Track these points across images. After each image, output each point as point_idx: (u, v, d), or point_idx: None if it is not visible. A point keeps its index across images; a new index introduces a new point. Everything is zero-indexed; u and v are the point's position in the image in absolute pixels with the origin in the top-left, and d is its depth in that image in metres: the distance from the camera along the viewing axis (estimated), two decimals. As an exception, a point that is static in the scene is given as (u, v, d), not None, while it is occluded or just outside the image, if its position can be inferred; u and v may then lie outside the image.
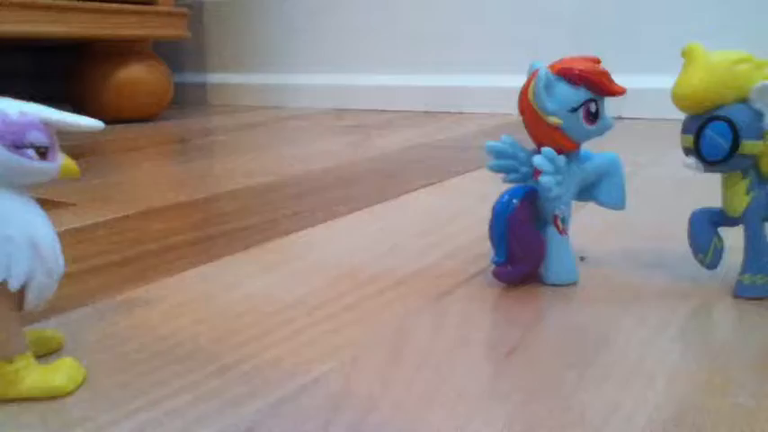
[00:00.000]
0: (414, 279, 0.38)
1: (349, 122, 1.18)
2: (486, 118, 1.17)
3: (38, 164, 0.26)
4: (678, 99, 0.33)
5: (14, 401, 0.25)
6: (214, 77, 1.60)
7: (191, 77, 1.62)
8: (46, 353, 0.29)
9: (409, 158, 0.80)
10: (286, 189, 0.64)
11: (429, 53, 1.30)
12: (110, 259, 0.43)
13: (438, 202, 0.57)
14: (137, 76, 1.21)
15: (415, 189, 0.62)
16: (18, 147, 0.25)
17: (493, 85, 1.21)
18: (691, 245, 0.36)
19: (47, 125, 0.26)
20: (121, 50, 1.22)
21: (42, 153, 0.26)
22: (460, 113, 1.24)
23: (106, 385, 0.27)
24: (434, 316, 0.33)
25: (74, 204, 0.59)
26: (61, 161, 0.27)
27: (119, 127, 1.17)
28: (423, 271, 0.39)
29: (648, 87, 1.08)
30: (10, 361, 0.25)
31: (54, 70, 1.49)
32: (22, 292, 0.25)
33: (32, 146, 0.25)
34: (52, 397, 0.25)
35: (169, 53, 1.53)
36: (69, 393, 0.26)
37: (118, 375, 0.27)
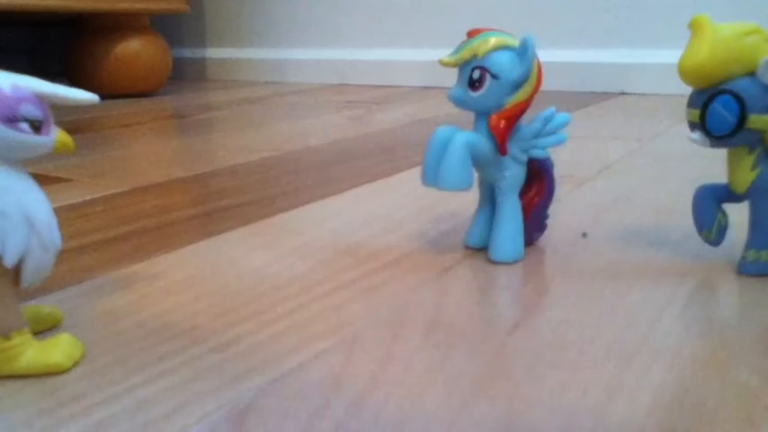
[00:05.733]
0: (415, 256, 0.38)
1: (349, 98, 1.17)
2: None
3: (32, 138, 0.25)
4: (684, 73, 0.32)
5: (12, 378, 0.25)
6: (213, 52, 1.59)
7: (189, 52, 1.61)
8: (44, 329, 0.29)
9: (409, 134, 0.79)
10: (285, 165, 0.63)
11: (430, 27, 1.28)
12: (107, 235, 0.43)
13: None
14: (135, 50, 1.20)
15: (416, 165, 0.61)
16: (12, 121, 0.24)
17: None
18: (695, 221, 0.35)
19: (40, 98, 0.25)
20: (120, 25, 1.21)
21: (36, 127, 0.25)
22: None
23: (104, 362, 0.26)
24: (435, 293, 0.33)
25: (71, 180, 0.58)
26: (56, 135, 0.26)
27: (117, 102, 1.16)
28: (424, 247, 0.39)
29: (653, 62, 1.07)
30: (8, 337, 0.25)
31: (53, 45, 1.47)
32: (18, 268, 0.25)
33: (26, 119, 0.25)
34: (50, 374, 0.25)
35: (168, 28, 1.51)
36: (67, 370, 0.25)
37: (116, 352, 0.27)
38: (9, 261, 0.25)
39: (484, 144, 0.35)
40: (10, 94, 0.24)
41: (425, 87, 1.28)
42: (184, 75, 1.60)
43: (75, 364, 0.26)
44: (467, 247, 0.38)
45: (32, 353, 0.25)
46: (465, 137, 0.35)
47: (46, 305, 0.30)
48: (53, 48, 1.45)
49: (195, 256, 0.38)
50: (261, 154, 0.69)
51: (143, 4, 1.19)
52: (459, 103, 0.36)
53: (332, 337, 0.28)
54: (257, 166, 0.63)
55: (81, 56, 1.22)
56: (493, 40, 0.34)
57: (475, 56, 0.34)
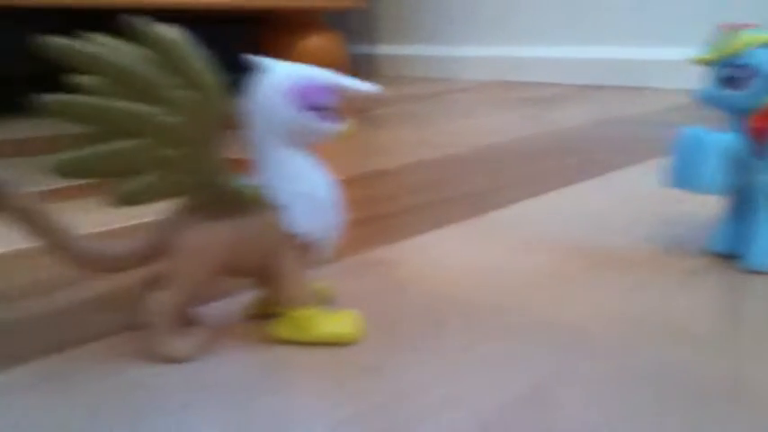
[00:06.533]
0: (654, 258, 0.37)
1: (520, 95, 1.16)
2: (667, 94, 1.10)
3: (326, 125, 0.27)
4: None
5: (306, 346, 0.27)
6: (384, 49, 1.63)
7: (361, 48, 1.66)
8: (319, 303, 0.31)
9: (601, 134, 0.77)
10: (475, 161, 0.64)
11: (605, 23, 1.24)
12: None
13: (647, 182, 0.54)
14: (316, 47, 1.25)
15: (621, 167, 0.60)
16: (310, 108, 0.27)
17: (677, 59, 1.14)
18: None
19: (334, 89, 0.27)
20: (299, 22, 1.27)
21: (328, 115, 0.27)
22: (638, 88, 1.18)
23: (384, 337, 0.28)
24: (685, 298, 0.32)
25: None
26: (342, 123, 0.28)
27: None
28: (661, 250, 0.38)
29: None
30: (303, 307, 0.27)
31: (235, 43, 1.58)
32: (311, 244, 0.27)
33: (322, 108, 0.27)
34: (339, 343, 0.27)
35: (341, 24, 1.57)
36: (354, 342, 0.27)
37: (390, 329, 0.29)
38: (308, 238, 0.27)
39: (741, 146, 0.33)
40: (309, 84, 0.27)
41: (595, 86, 1.24)
42: (357, 70, 1.65)
43: (360, 337, 0.28)
44: (710, 253, 0.37)
45: (325, 323, 0.27)
46: (723, 138, 0.33)
47: (319, 281, 0.32)
48: (235, 45, 1.56)
49: (429, 244, 0.40)
50: (445, 150, 0.70)
51: (324, 2, 1.24)
52: (713, 101, 0.34)
53: (611, 327, 0.28)
54: (446, 162, 0.64)
55: (263, 53, 1.29)
56: (754, 37, 0.33)
57: (735, 52, 0.33)
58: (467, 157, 0.66)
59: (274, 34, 1.28)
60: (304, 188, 0.27)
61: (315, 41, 1.26)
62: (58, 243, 0.26)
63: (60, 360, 0.27)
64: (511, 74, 1.39)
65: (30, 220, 0.25)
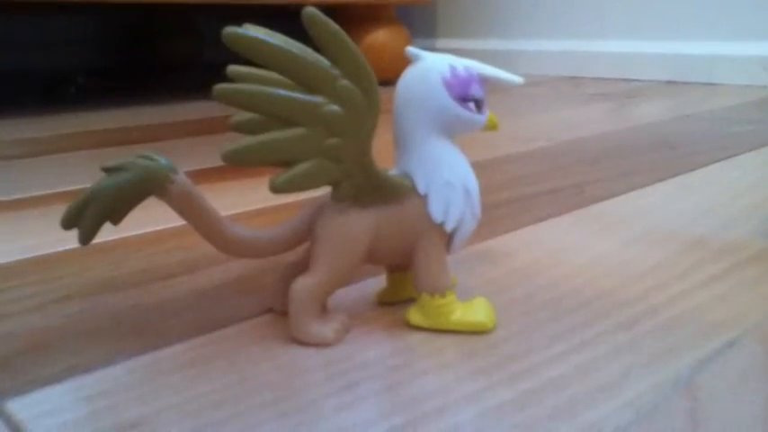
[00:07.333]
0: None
1: (590, 90, 1.15)
2: (739, 90, 1.07)
3: (475, 116, 0.28)
4: None
5: (440, 332, 0.28)
6: (444, 43, 1.63)
7: (421, 43, 1.66)
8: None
9: (679, 130, 0.76)
10: (567, 155, 0.63)
11: (674, 17, 1.21)
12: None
13: (740, 177, 0.53)
14: (383, 41, 1.26)
15: (708, 163, 0.59)
16: (464, 100, 0.27)
17: (749, 54, 1.10)
18: None
19: (483, 80, 0.28)
20: (369, 16, 1.28)
21: (478, 106, 0.28)
22: (710, 84, 1.15)
23: (517, 328, 0.28)
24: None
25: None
26: (487, 114, 0.28)
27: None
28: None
29: None
30: (443, 295, 0.28)
31: (303, 36, 1.59)
32: (452, 233, 0.28)
33: (473, 99, 0.27)
34: (473, 331, 0.28)
35: (400, 18, 1.57)
36: (489, 330, 0.28)
37: (521, 320, 0.29)
38: (450, 227, 0.27)
39: None
40: (464, 75, 0.27)
41: (669, 82, 1.21)
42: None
43: (494, 326, 0.28)
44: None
45: (461, 311, 0.28)
46: None
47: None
48: (301, 37, 1.58)
49: (537, 237, 0.40)
50: (530, 144, 0.69)
51: (391, -3, 1.24)
52: None
53: (736, 326, 0.28)
54: (535, 156, 0.64)
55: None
56: None
57: None
58: (555, 151, 0.65)
59: (343, 28, 1.29)
60: (449, 177, 0.27)
61: (382, 35, 1.27)
62: (211, 228, 0.27)
63: (204, 342, 0.28)
64: (575, 69, 1.37)
65: (188, 206, 0.26)
